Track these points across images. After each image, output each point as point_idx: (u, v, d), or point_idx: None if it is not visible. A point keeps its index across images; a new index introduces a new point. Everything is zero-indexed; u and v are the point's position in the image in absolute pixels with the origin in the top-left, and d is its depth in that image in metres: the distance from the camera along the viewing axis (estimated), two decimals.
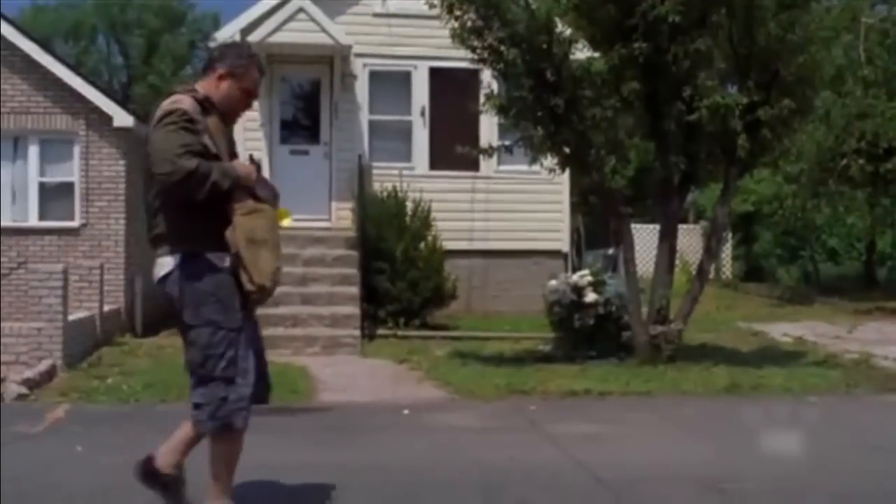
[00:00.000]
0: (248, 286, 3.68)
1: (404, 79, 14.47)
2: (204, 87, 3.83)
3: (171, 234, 3.72)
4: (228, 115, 3.91)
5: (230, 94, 3.85)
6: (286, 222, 3.99)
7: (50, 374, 8.65)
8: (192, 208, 3.64)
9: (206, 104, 3.75)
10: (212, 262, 3.70)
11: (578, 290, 9.79)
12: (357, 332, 10.99)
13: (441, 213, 13.16)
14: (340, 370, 9.42)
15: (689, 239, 20.66)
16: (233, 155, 3.92)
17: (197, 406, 3.75)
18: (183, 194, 3.60)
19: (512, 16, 8.99)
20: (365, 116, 14.30)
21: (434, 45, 12.85)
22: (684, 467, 5.26)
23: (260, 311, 12.39)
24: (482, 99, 10.15)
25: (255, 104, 13.69)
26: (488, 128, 13.56)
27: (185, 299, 3.72)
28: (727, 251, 22.56)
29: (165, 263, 3.75)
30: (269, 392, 4.10)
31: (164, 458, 3.98)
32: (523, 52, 9.05)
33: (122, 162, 13.06)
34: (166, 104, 3.70)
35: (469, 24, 9.29)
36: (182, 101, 3.70)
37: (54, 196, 13.20)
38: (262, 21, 13.43)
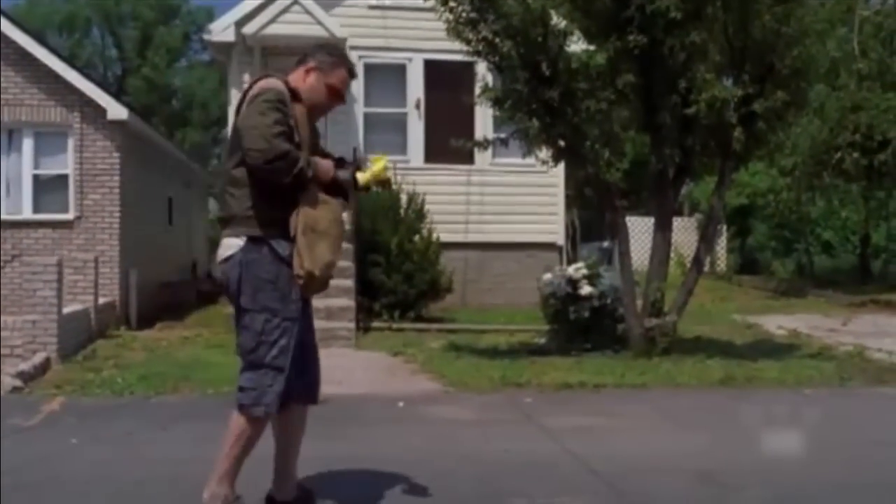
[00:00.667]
0: (298, 270, 3.71)
1: (399, 71, 14.47)
2: (293, 79, 3.93)
3: (240, 216, 3.76)
4: (313, 110, 3.98)
5: (315, 87, 3.93)
6: (380, 167, 4.01)
7: (44, 367, 8.65)
8: (265, 193, 3.72)
9: (294, 93, 3.84)
10: (275, 250, 3.74)
11: (573, 282, 9.80)
12: (352, 325, 11.00)
13: (436, 206, 13.16)
14: (335, 363, 9.39)
15: (684, 232, 20.68)
16: (315, 147, 3.98)
17: (242, 389, 3.77)
18: (270, 174, 3.64)
19: (507, 8, 8.97)
20: (360, 109, 14.30)
21: (429, 37, 12.84)
22: (679, 459, 5.27)
23: None
24: (477, 91, 10.15)
25: None
26: (483, 120, 13.57)
27: (244, 283, 3.74)
28: (722, 244, 22.60)
29: (231, 245, 3.78)
30: (318, 390, 4.12)
31: (280, 487, 4.08)
32: (518, 44, 9.03)
33: (116, 154, 13.05)
34: (262, 84, 3.79)
35: (464, 16, 9.28)
36: (276, 84, 3.79)
37: (49, 189, 13.19)
38: (256, 13, 13.42)
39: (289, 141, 3.66)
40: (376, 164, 4.03)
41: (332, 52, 4.05)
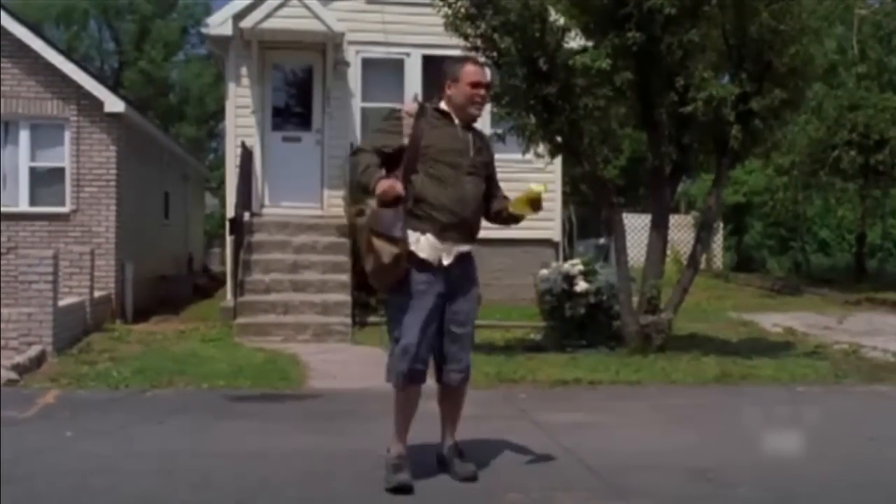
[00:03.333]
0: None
1: (397, 67, 14.42)
2: (443, 103, 4.63)
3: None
4: (463, 112, 4.59)
5: (455, 94, 4.57)
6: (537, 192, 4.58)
7: (40, 360, 8.64)
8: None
9: (441, 112, 4.60)
10: None
11: (569, 279, 9.80)
12: (348, 320, 11.00)
13: None
14: (331, 357, 9.42)
15: (681, 229, 20.69)
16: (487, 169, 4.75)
17: (467, 366, 4.69)
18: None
19: (505, 3, 8.97)
20: (357, 104, 14.26)
21: (427, 32, 12.79)
22: (673, 456, 5.28)
23: (252, 297, 12.32)
24: None
25: (249, 91, 13.72)
26: (481, 116, 13.54)
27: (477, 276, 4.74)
28: (718, 242, 22.61)
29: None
30: None
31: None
32: (516, 40, 9.03)
33: (112, 148, 13.04)
34: None
35: (462, 11, 9.28)
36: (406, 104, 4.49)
37: (45, 181, 13.18)
38: (254, 7, 13.37)
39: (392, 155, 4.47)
40: (532, 191, 4.56)
41: (455, 61, 4.74)
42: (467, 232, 4.58)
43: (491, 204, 4.77)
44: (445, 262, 4.49)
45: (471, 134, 4.63)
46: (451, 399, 4.79)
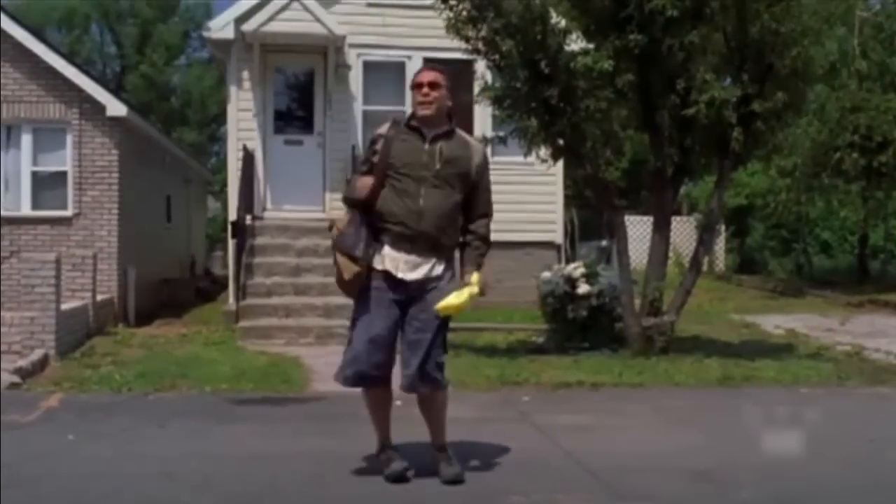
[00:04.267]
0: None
1: (398, 69, 14.42)
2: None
3: (451, 247, 4.70)
4: (420, 117, 4.63)
5: (412, 101, 4.70)
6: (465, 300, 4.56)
7: (42, 364, 8.64)
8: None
9: (410, 127, 4.65)
10: None
11: (572, 281, 9.80)
12: (350, 323, 10.97)
13: None
14: (333, 360, 9.35)
15: (683, 231, 20.68)
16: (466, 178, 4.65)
17: (441, 370, 4.63)
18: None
19: (506, 6, 8.97)
20: (359, 107, 14.27)
21: (429, 35, 12.82)
22: (676, 458, 5.27)
23: (254, 301, 12.32)
24: (476, 90, 10.14)
25: (250, 95, 13.73)
26: (482, 119, 13.55)
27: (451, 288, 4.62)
28: (720, 244, 22.60)
29: (440, 267, 4.63)
30: None
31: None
32: (518, 43, 9.03)
33: (115, 151, 13.05)
34: None
35: (464, 14, 9.28)
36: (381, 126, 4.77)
37: (47, 185, 13.19)
38: (256, 11, 13.39)
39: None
40: (467, 293, 4.55)
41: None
42: (426, 245, 4.51)
43: (469, 217, 4.71)
44: (400, 275, 4.52)
45: (439, 145, 4.56)
46: (423, 406, 4.74)
